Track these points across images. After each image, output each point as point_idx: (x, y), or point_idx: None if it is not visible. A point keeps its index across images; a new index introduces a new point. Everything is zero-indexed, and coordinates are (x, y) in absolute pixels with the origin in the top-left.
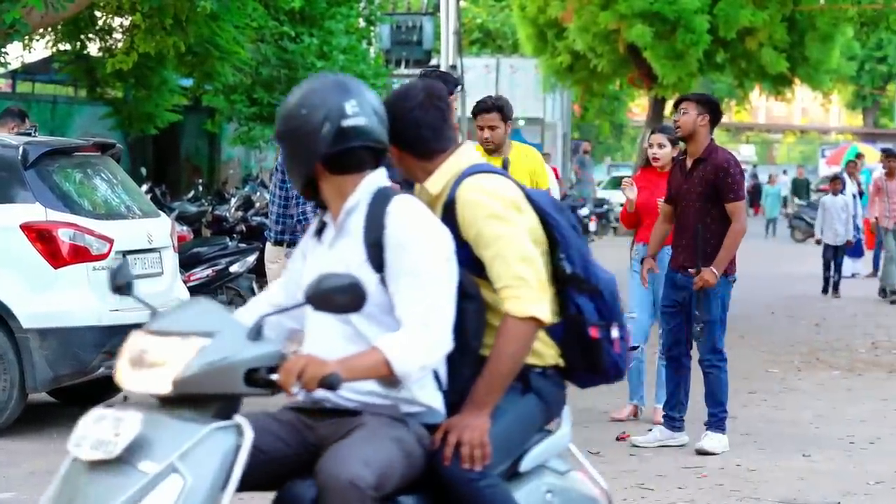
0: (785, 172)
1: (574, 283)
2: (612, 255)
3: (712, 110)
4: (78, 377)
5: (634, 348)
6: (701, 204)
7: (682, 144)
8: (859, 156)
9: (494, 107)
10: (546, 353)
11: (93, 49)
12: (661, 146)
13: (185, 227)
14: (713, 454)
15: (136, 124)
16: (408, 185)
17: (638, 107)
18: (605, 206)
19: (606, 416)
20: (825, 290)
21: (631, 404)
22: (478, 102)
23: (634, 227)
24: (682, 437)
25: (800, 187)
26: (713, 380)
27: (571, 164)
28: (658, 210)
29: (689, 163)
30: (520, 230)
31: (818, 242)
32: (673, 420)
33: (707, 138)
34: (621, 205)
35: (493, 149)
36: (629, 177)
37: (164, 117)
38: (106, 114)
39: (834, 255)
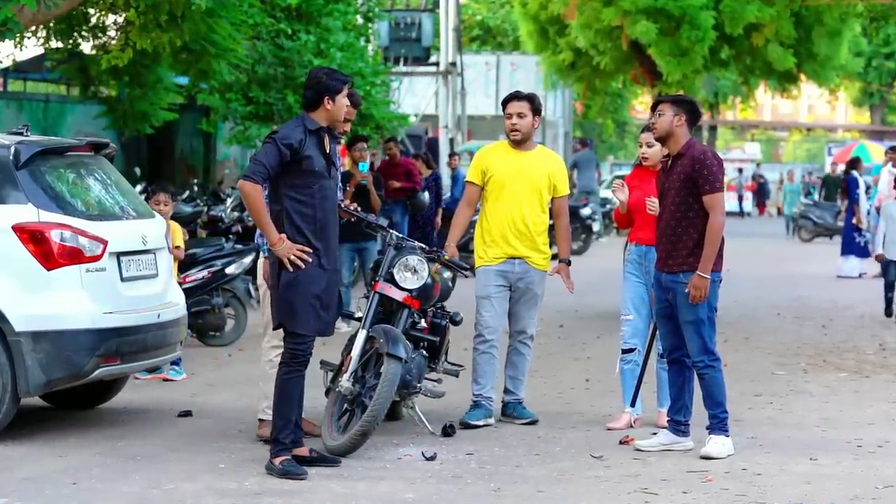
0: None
1: None
2: (615, 255)
3: (689, 110)
4: (72, 381)
5: (630, 351)
6: (680, 199)
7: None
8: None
9: (525, 97)
10: None
11: (86, 47)
12: (649, 145)
13: None
14: (718, 459)
15: (132, 123)
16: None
17: (641, 104)
18: (609, 206)
19: (609, 419)
20: (888, 313)
21: (626, 413)
22: (508, 94)
23: (628, 227)
24: (687, 442)
25: (831, 186)
26: (709, 381)
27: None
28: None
29: (669, 162)
30: None
31: (878, 259)
32: (678, 424)
33: (685, 137)
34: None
35: (519, 139)
36: (620, 177)
37: (159, 116)
38: (100, 113)
39: None
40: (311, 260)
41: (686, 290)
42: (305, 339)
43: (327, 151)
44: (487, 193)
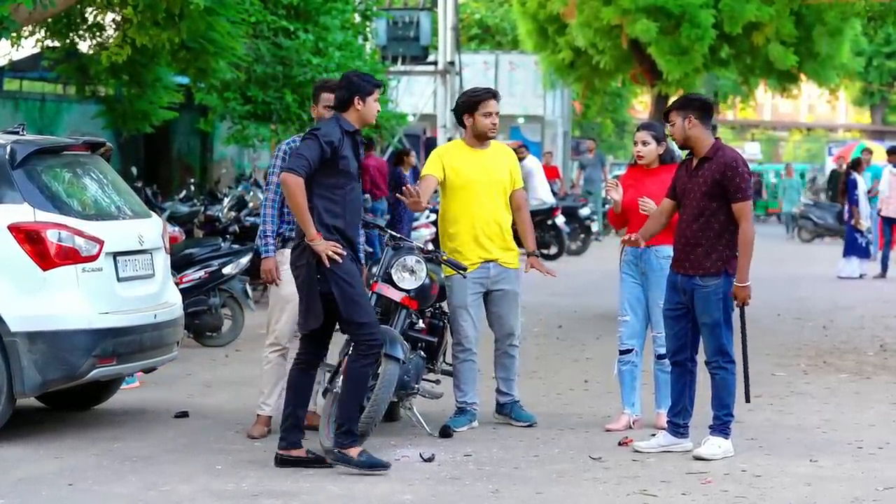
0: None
1: None
2: (613, 256)
3: (695, 107)
4: (68, 382)
5: (628, 352)
6: (705, 202)
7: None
8: (866, 151)
9: (498, 95)
10: None
11: (83, 46)
12: (644, 143)
13: (176, 228)
14: (710, 460)
15: (131, 122)
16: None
17: (641, 104)
18: (607, 206)
19: (608, 420)
20: None
21: (625, 414)
22: (484, 91)
23: (623, 228)
24: (686, 443)
25: (838, 183)
26: (719, 382)
27: (571, 163)
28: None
29: (694, 162)
30: None
31: None
32: (677, 426)
33: (706, 137)
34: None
35: (493, 137)
36: (615, 177)
37: (159, 115)
38: (99, 112)
39: None
40: (346, 254)
41: (705, 293)
42: (372, 326)
43: (359, 154)
44: (452, 195)
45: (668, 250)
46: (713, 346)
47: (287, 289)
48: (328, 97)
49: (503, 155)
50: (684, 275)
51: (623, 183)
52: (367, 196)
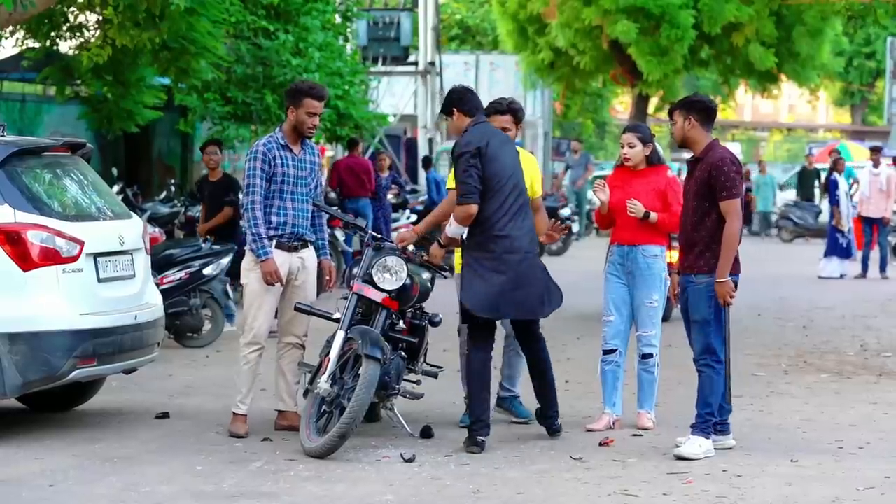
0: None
1: None
2: (594, 256)
3: (698, 109)
4: (48, 383)
5: (611, 352)
6: (697, 202)
7: (655, 143)
8: (834, 152)
9: (509, 109)
10: None
11: (63, 47)
12: (631, 145)
13: (157, 229)
14: (691, 459)
15: (117, 123)
16: None
17: (621, 104)
18: (588, 207)
19: (589, 420)
20: None
21: (606, 414)
22: (491, 103)
23: (609, 228)
24: (726, 440)
25: (807, 180)
26: (704, 380)
27: (551, 163)
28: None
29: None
30: None
31: None
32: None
33: (703, 139)
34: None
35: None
36: (602, 178)
37: (144, 115)
38: (83, 113)
39: None
40: None
41: (697, 290)
42: None
43: None
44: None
45: (654, 249)
46: (701, 344)
47: (263, 287)
48: (312, 104)
49: (528, 161)
50: (683, 273)
51: (610, 184)
52: (333, 194)
